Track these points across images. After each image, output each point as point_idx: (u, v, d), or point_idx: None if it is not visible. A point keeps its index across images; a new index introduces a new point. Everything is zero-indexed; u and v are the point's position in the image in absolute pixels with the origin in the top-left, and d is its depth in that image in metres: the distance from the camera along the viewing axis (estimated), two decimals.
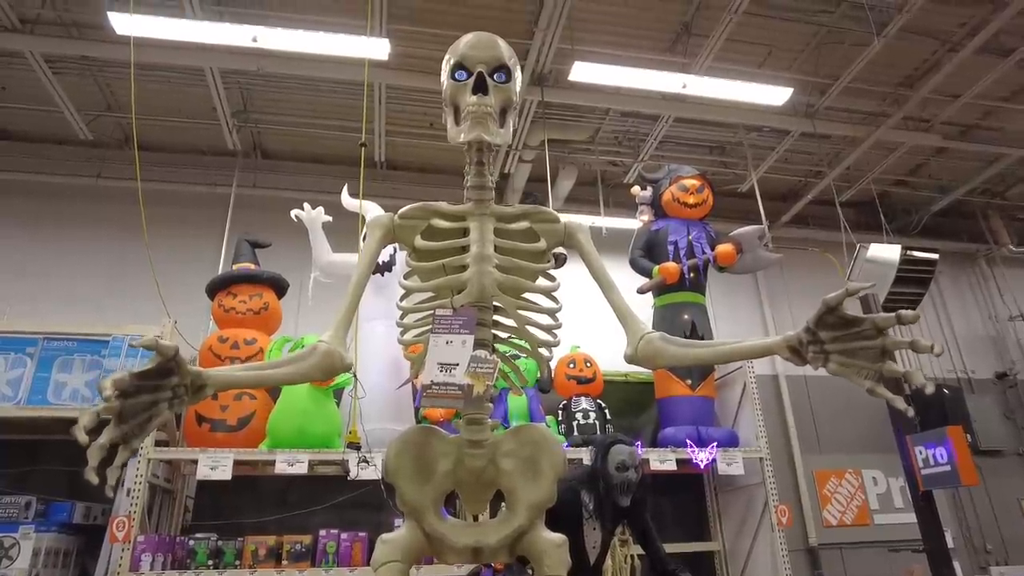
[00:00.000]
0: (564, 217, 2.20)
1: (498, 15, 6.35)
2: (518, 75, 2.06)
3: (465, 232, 2.05)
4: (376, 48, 5.55)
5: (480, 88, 1.92)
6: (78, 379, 4.43)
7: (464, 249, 2.03)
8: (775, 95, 6.35)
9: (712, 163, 8.46)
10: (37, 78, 6.46)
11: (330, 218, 5.30)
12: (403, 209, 2.14)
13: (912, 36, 6.52)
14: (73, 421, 1.51)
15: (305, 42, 5.47)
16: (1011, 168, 8.59)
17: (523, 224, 2.10)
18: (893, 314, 1.63)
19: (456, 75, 1.99)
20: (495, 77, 1.99)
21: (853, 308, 1.69)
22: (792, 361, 1.71)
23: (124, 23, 5.19)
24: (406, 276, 2.15)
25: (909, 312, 1.62)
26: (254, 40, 5.37)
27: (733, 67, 6.71)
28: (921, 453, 4.86)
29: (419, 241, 2.06)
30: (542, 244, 2.09)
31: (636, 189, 6.22)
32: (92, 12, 5.84)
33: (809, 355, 1.66)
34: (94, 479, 1.54)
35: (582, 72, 5.99)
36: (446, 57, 2.06)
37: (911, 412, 1.72)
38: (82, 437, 1.48)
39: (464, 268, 2.00)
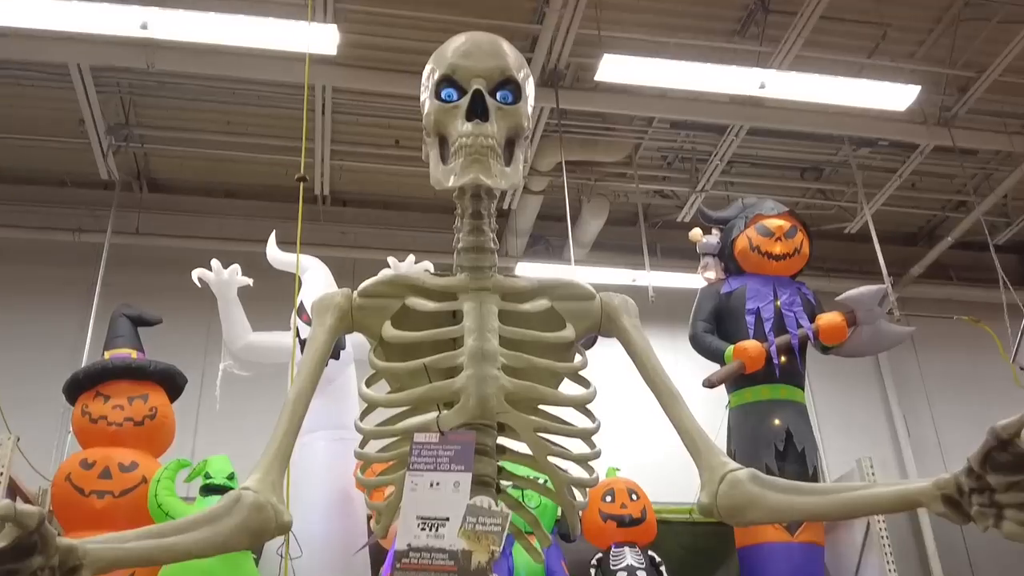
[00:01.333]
0: (601, 293, 2.21)
1: None
2: (530, 90, 2.10)
3: (457, 316, 2.05)
4: (320, 37, 5.72)
5: (478, 112, 1.95)
6: None
7: (456, 342, 2.02)
8: (895, 95, 6.51)
9: (806, 193, 8.60)
10: None
11: (250, 281, 5.32)
12: (366, 284, 2.15)
13: None
14: None
15: (217, 29, 5.65)
16: None
17: (540, 303, 2.10)
18: None
19: (443, 93, 2.03)
20: (498, 96, 2.02)
21: None
22: (948, 518, 1.68)
23: None
24: (369, 382, 2.13)
25: None
26: (143, 27, 5.55)
27: (832, 56, 6.93)
28: None
29: (389, 331, 2.05)
30: (568, 332, 2.08)
31: (696, 233, 6.27)
32: None
33: (973, 509, 1.63)
34: None
35: (613, 68, 6.17)
36: (428, 67, 2.11)
37: None
38: None
39: (456, 371, 1.99)
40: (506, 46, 2.08)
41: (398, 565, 1.74)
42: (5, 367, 5.68)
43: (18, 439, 4.78)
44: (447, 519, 1.74)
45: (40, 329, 7.21)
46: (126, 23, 5.57)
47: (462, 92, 2.00)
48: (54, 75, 6.87)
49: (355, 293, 2.19)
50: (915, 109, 7.08)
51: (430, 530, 1.74)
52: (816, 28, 6.56)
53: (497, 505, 1.80)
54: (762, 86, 6.29)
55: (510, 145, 2.02)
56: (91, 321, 7.13)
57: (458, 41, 2.08)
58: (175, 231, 7.89)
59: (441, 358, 2.06)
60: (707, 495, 1.92)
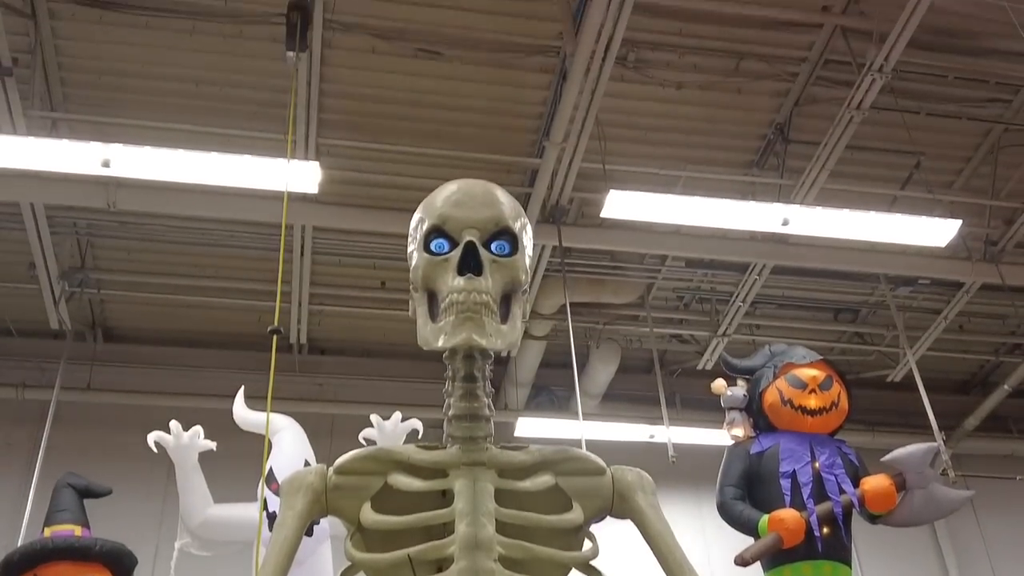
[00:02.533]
0: (612, 468, 2.16)
1: (487, 120, 6.83)
2: (527, 241, 2.12)
3: (448, 497, 2.00)
4: (300, 174, 5.86)
5: (470, 266, 1.96)
6: None
7: (446, 528, 1.96)
8: (933, 230, 6.60)
9: (841, 337, 8.63)
10: None
11: (213, 445, 5.26)
12: (343, 460, 2.11)
13: None
14: None
15: (186, 167, 5.78)
16: None
17: (543, 480, 2.04)
18: None
19: (432, 245, 2.05)
20: (493, 248, 2.04)
21: None
22: None
23: None
24: (346, 574, 2.07)
25: None
26: (105, 165, 5.68)
27: (860, 188, 7.13)
28: None
29: (369, 515, 1.99)
30: (575, 514, 2.02)
31: (719, 384, 6.21)
32: None
33: None
34: None
35: (620, 204, 6.29)
36: (416, 217, 2.14)
37: None
38: None
39: (446, 563, 1.91)
40: (501, 194, 2.12)
41: None
42: None
43: None
44: None
45: None
46: (86, 160, 5.72)
47: (453, 244, 2.02)
48: (3, 215, 7.02)
49: (330, 470, 2.14)
50: (957, 244, 7.15)
51: None
52: (842, 158, 6.73)
53: None
54: (785, 222, 6.40)
55: (506, 301, 2.03)
56: (32, 490, 7.01)
57: (449, 189, 2.11)
58: (131, 386, 7.87)
59: (428, 548, 1.99)
60: None
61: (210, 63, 6.41)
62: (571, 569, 2.12)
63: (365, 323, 8.37)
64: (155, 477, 5.62)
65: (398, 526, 2.04)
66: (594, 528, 2.26)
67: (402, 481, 2.09)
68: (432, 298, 2.04)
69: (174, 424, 5.14)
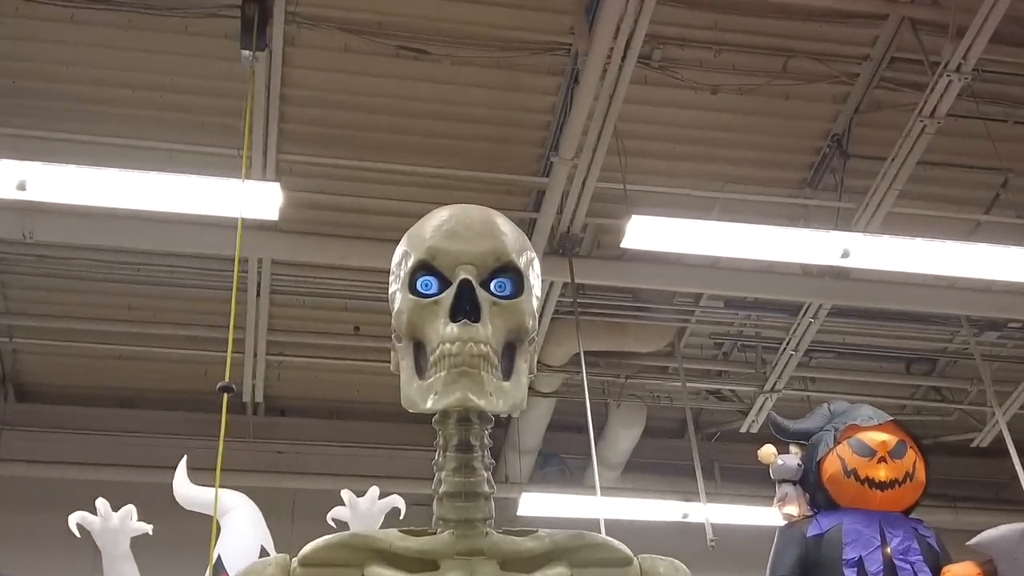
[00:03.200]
0: (640, 557, 2.13)
1: (483, 132, 6.85)
2: (535, 279, 2.09)
3: None
4: (257, 197, 5.85)
5: (466, 310, 1.93)
6: None
7: None
8: None
9: (915, 393, 8.59)
10: None
11: (148, 528, 5.23)
12: (309, 548, 2.07)
13: None
14: None
15: (118, 189, 5.77)
16: None
17: (556, 573, 2.00)
18: None
19: (419, 285, 2.01)
20: (494, 287, 2.01)
21: None
22: None
23: None
24: None
25: None
26: (20, 187, 5.67)
27: (935, 212, 7.13)
28: None
29: None
30: None
31: (768, 452, 6.18)
32: None
33: None
34: None
35: (644, 231, 6.26)
36: (400, 250, 2.11)
37: None
38: None
39: None
40: (503, 222, 2.10)
41: None
42: None
43: None
44: None
45: None
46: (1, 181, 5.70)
47: (445, 283, 2.00)
48: None
49: (294, 561, 2.12)
50: None
51: None
52: (912, 176, 6.74)
53: None
54: (845, 254, 6.37)
55: (510, 352, 2.00)
56: None
57: (439, 217, 2.09)
58: (49, 455, 7.84)
59: None
60: None
61: (149, 64, 6.44)
62: None
63: (335, 377, 8.36)
64: (78, 567, 5.55)
65: None
66: None
67: (382, 574, 2.06)
68: (419, 349, 2.02)
69: (101, 504, 5.11)
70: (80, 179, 5.76)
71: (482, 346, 1.94)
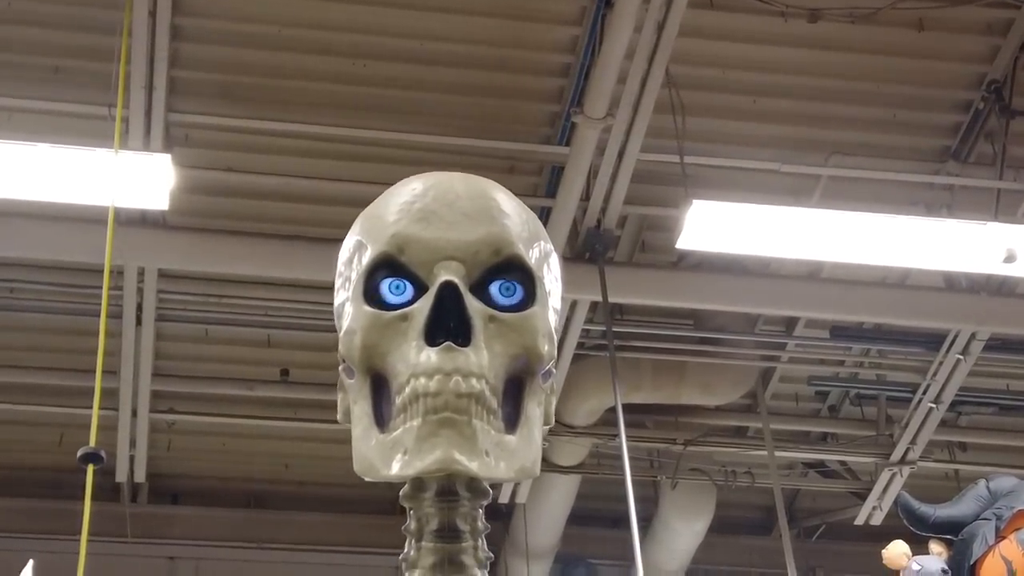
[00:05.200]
0: None
1: (473, 80, 6.87)
2: (553, 283, 2.08)
3: None
4: (137, 175, 5.86)
5: (449, 328, 1.91)
6: None
7: None
8: None
9: None
10: None
11: None
12: None
13: None
14: None
15: None
16: None
17: None
18: None
19: (382, 289, 2.00)
20: (492, 293, 2.00)
21: None
22: None
23: None
24: None
25: None
26: None
27: None
28: None
29: None
30: None
31: (896, 551, 6.23)
32: None
33: None
34: None
35: (709, 225, 6.28)
36: (352, 239, 2.08)
37: None
38: None
39: None
40: (504, 199, 2.08)
41: None
42: None
43: None
44: None
45: None
46: None
47: (419, 288, 2.00)
48: None
49: None
50: None
51: None
52: None
53: None
54: (1010, 257, 6.38)
55: (515, 391, 2.00)
56: None
57: (410, 191, 2.07)
58: None
59: None
60: None
61: None
62: None
63: (251, 446, 8.38)
64: None
65: None
66: None
67: None
68: (380, 387, 2.02)
69: None
70: None
71: (473, 381, 1.93)
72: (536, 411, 1.99)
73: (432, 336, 1.92)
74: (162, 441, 8.15)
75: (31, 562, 5.45)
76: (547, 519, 8.32)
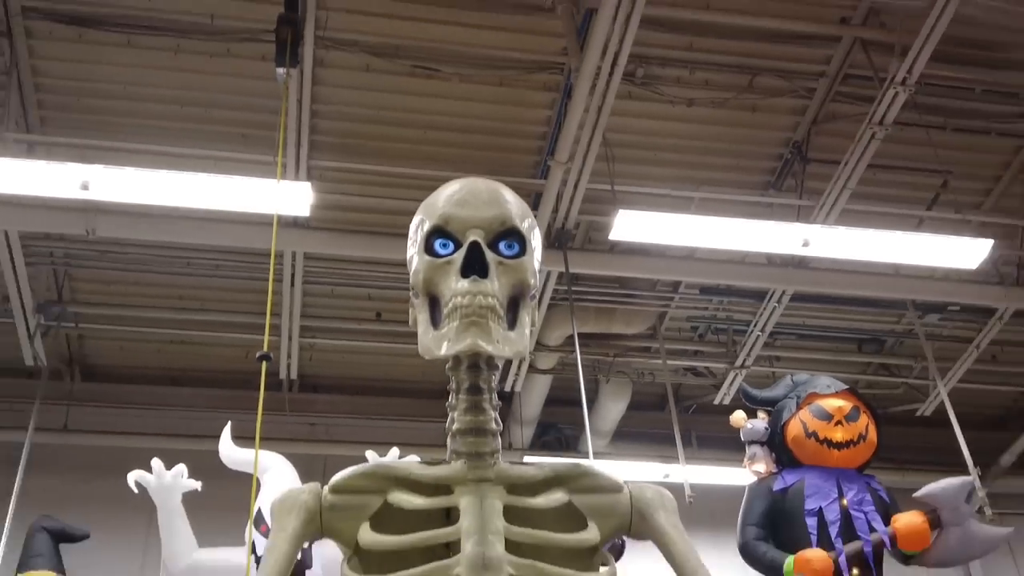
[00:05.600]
0: (630, 484, 2.15)
1: (488, 141, 6.87)
2: (536, 243, 2.12)
3: (452, 515, 1.98)
4: (291, 197, 5.86)
5: (475, 268, 1.96)
6: None
7: (451, 548, 1.95)
8: (963, 252, 6.56)
9: (866, 369, 8.59)
10: None
11: (198, 484, 5.24)
12: (339, 477, 2.09)
13: None
14: None
15: (170, 190, 5.79)
16: None
17: (556, 497, 2.03)
18: None
19: (435, 245, 2.05)
20: (500, 248, 2.04)
21: None
22: None
23: None
24: None
25: None
26: (84, 187, 5.68)
27: (884, 209, 7.11)
28: None
29: (368, 535, 1.97)
30: (591, 533, 2.01)
31: (739, 417, 6.18)
32: None
33: None
34: None
35: (629, 226, 6.27)
36: (417, 218, 2.14)
37: None
38: None
39: None
40: (507, 192, 2.12)
41: None
42: None
43: None
44: None
45: None
46: (64, 183, 5.70)
47: (457, 245, 2.02)
48: None
49: (325, 488, 2.13)
50: (988, 268, 7.16)
51: None
52: (864, 178, 6.75)
53: None
54: (805, 243, 6.39)
55: (514, 305, 2.02)
56: (3, 536, 6.95)
57: (451, 188, 2.12)
58: (111, 427, 7.83)
59: (432, 569, 1.97)
60: None
61: (195, 83, 6.45)
62: None
63: (360, 358, 8.35)
64: (136, 522, 5.60)
65: (400, 546, 2.02)
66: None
67: (403, 499, 2.06)
68: (434, 303, 2.04)
69: (156, 463, 5.13)
70: (135, 180, 5.76)
71: (490, 298, 1.95)
72: (527, 318, 2.01)
73: (465, 272, 1.95)
74: (306, 356, 8.16)
75: (228, 423, 5.45)
76: (533, 401, 8.33)
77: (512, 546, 1.99)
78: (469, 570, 1.93)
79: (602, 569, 2.13)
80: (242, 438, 5.20)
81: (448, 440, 2.11)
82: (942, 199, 7.26)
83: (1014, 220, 7.34)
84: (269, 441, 4.93)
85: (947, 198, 7.22)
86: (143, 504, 5.24)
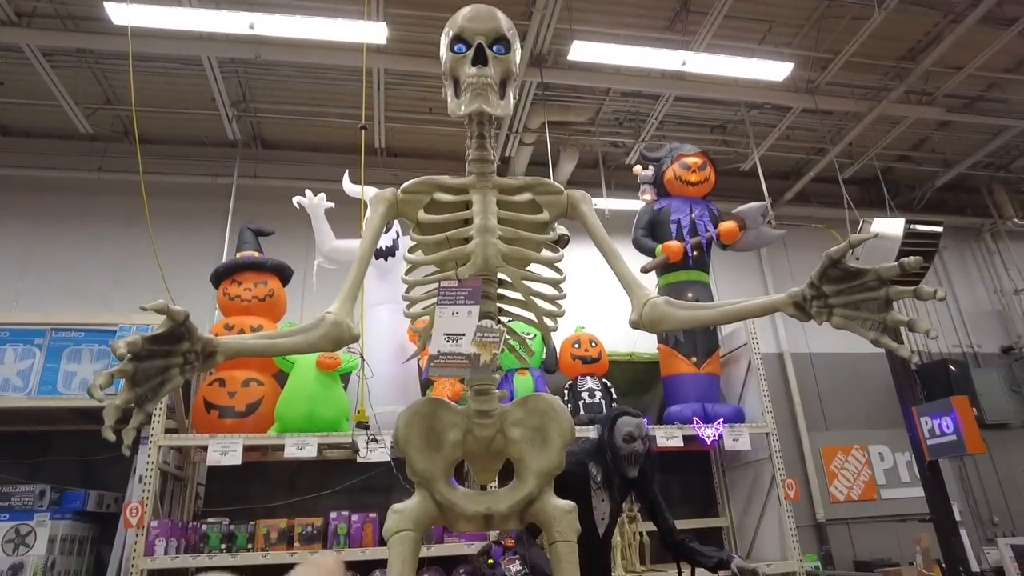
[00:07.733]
0: (567, 189, 2.21)
1: None
2: (517, 47, 2.06)
3: (468, 205, 2.06)
4: (374, 32, 5.53)
5: (479, 60, 1.92)
6: (87, 369, 4.46)
7: (467, 222, 2.04)
8: (775, 71, 6.32)
9: (714, 142, 8.42)
10: (35, 72, 6.43)
11: (332, 204, 5.31)
12: (406, 184, 2.16)
13: (913, 8, 6.46)
14: (83, 411, 1.54)
15: (302, 28, 5.46)
16: (1015, 140, 8.53)
17: (526, 196, 2.11)
18: (896, 263, 1.64)
19: (455, 48, 2.00)
20: (494, 48, 1.99)
21: None
22: (796, 317, 1.74)
23: (121, 13, 5.18)
24: (410, 250, 2.17)
25: (912, 259, 1.63)
26: (251, 27, 5.36)
27: (733, 44, 6.68)
28: (927, 424, 4.90)
29: (422, 215, 2.07)
30: (545, 215, 2.11)
31: (638, 169, 6.20)
32: (88, 3, 5.82)
33: (813, 310, 1.69)
34: (111, 436, 1.59)
35: (581, 52, 5.97)
36: (444, 30, 2.06)
37: (906, 354, 1.72)
38: (98, 395, 1.53)
39: (468, 240, 2.02)
40: (500, 14, 2.04)
41: (432, 364, 1.79)
42: (172, 265, 5.73)
43: None
44: (463, 334, 1.80)
45: (193, 240, 7.21)
46: (239, 25, 5.41)
47: (468, 46, 1.96)
48: (191, 65, 6.63)
49: (399, 191, 2.19)
50: (789, 81, 6.88)
51: (452, 342, 1.80)
52: (722, 24, 6.32)
53: (496, 325, 1.84)
54: (684, 63, 6.10)
55: (503, 85, 1.99)
56: (226, 234, 7.12)
57: (466, 11, 2.04)
58: (280, 175, 7.75)
59: (457, 232, 2.08)
60: (635, 313, 1.97)
61: None
62: (542, 246, 2.20)
63: (419, 137, 8.09)
64: (300, 226, 5.69)
65: (440, 221, 2.11)
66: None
67: (441, 196, 2.14)
68: (456, 83, 2.00)
69: (308, 192, 5.17)
70: (283, 22, 5.45)
71: (489, 79, 1.93)
72: (511, 92, 1.98)
73: (474, 62, 1.90)
74: (390, 133, 7.89)
75: (347, 171, 5.36)
76: (520, 162, 8.06)
77: (501, 220, 2.08)
78: (477, 231, 2.03)
79: (551, 234, 2.23)
80: (355, 180, 5.20)
81: (466, 164, 2.14)
82: (767, 39, 6.82)
83: (810, 52, 6.93)
84: (369, 183, 4.95)
85: (771, 38, 6.78)
86: (303, 216, 5.34)
